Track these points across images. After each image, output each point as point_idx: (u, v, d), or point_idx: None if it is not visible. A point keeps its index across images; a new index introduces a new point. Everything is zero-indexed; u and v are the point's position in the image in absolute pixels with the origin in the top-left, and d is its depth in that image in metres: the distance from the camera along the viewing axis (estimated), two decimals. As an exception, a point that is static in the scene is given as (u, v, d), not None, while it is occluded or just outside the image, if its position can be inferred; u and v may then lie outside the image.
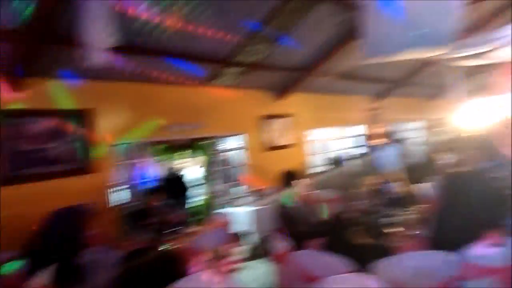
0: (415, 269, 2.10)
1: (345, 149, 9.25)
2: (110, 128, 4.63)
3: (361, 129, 9.47)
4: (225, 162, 6.79)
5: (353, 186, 5.44)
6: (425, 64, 7.84)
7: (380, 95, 9.34)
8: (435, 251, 2.24)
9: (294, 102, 7.26)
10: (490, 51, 5.73)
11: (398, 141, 8.58)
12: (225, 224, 3.70)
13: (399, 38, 2.36)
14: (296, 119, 7.32)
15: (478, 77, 9.99)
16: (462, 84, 7.24)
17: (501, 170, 4.49)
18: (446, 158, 5.42)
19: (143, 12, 3.54)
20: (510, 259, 2.04)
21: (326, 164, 8.28)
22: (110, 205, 4.62)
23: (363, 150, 9.29)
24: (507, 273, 2.01)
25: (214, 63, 5.29)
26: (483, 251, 2.14)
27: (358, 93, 8.68)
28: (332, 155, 8.64)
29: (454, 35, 2.64)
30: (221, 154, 6.80)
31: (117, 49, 2.71)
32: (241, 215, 5.12)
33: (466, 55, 5.23)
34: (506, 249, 2.09)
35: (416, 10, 2.26)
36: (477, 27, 6.93)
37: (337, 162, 8.20)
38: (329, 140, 8.97)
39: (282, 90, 6.94)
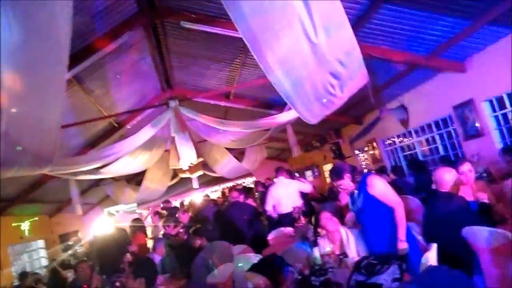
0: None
1: None
2: None
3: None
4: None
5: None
6: (43, 180, 7.58)
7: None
8: None
9: None
10: (102, 166, 6.40)
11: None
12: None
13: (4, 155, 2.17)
14: None
15: (98, 189, 10.75)
16: (80, 196, 7.49)
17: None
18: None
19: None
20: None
21: None
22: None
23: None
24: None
25: None
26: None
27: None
28: None
29: (54, 154, 2.75)
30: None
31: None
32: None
33: (81, 170, 5.58)
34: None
35: (15, 128, 2.19)
36: (89, 146, 7.64)
37: None
38: None
39: None
